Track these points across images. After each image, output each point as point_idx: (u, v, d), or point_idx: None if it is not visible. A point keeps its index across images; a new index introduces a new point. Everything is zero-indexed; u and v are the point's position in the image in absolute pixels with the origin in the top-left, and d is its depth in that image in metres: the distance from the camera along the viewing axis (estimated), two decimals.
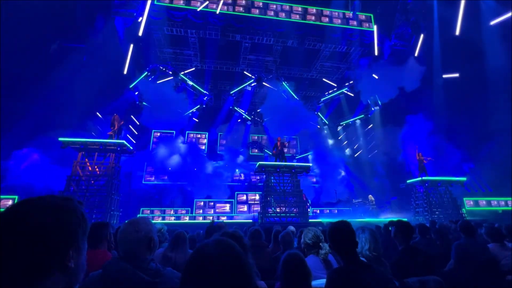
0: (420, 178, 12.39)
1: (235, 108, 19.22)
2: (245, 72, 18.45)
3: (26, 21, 10.91)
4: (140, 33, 13.77)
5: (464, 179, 12.86)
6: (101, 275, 1.22)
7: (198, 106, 18.38)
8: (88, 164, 10.29)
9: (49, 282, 0.66)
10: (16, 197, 11.69)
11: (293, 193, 11.87)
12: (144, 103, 16.88)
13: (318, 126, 20.62)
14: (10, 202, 11.55)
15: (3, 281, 0.62)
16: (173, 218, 14.24)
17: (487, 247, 3.36)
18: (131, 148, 11.18)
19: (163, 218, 14.09)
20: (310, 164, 13.05)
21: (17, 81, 11.86)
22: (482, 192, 15.73)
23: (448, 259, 3.34)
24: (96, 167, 10.39)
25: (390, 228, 3.74)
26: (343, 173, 19.66)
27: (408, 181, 13.33)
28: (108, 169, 10.27)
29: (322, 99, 19.93)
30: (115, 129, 11.09)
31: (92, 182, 9.99)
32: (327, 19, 15.66)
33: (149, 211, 14.47)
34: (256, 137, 21.04)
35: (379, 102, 17.93)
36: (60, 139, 10.08)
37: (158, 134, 19.12)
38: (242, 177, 18.86)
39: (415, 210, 12.73)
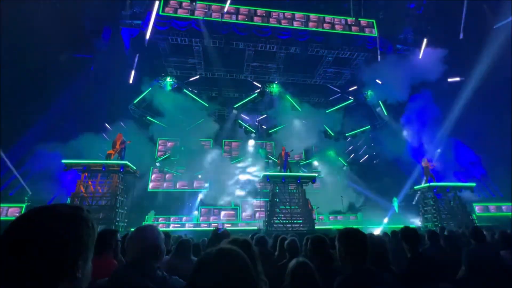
0: (427, 184, 12.16)
1: (239, 121, 19.24)
2: (249, 79, 18.62)
3: (36, 33, 11.24)
4: (146, 43, 14.06)
5: (473, 184, 12.59)
6: (108, 282, 1.22)
7: (202, 120, 18.45)
8: (90, 184, 10.33)
9: None
10: (24, 205, 11.84)
11: (298, 202, 11.75)
12: (148, 117, 17.10)
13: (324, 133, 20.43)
14: (17, 211, 11.70)
15: None
16: (178, 225, 14.22)
17: (498, 253, 3.27)
18: (134, 168, 11.19)
19: (168, 226, 14.07)
20: (316, 174, 12.95)
21: (27, 91, 12.14)
22: (492, 197, 15.38)
23: (459, 266, 3.25)
24: (99, 188, 10.47)
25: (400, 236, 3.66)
26: (349, 179, 19.47)
27: (415, 187, 13.10)
28: (111, 187, 10.30)
29: (326, 111, 19.75)
30: (116, 148, 11.02)
31: (96, 202, 10.10)
32: (329, 26, 15.80)
33: (154, 218, 14.47)
34: (260, 144, 21.00)
35: (385, 113, 17.85)
36: (63, 161, 10.19)
37: (163, 141, 19.25)
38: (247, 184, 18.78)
39: (424, 217, 12.48)
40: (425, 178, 12.58)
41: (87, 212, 0.78)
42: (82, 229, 0.73)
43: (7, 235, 0.66)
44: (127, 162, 10.70)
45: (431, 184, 12.09)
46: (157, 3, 13.55)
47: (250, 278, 0.78)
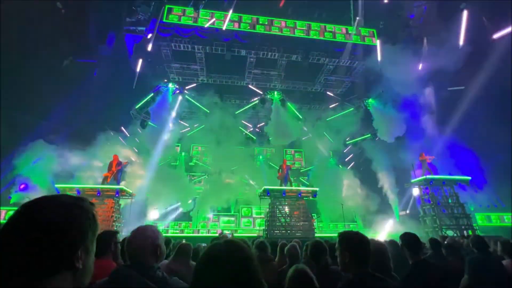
0: (424, 177, 12.03)
1: (240, 128, 19.26)
2: (250, 86, 18.75)
3: (41, 37, 11.39)
4: (149, 49, 14.22)
5: (468, 178, 12.42)
6: (107, 282, 1.21)
7: (203, 125, 18.49)
8: None
9: (56, 281, 0.65)
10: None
11: (299, 214, 11.60)
12: (150, 122, 17.10)
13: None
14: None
15: (10, 277, 0.61)
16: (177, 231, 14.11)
17: (501, 263, 3.23)
18: (130, 191, 11.04)
19: (166, 232, 13.95)
20: (317, 188, 12.81)
21: (29, 94, 12.23)
22: (494, 207, 15.24)
23: (461, 275, 3.20)
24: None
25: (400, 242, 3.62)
26: (349, 187, 19.35)
27: (412, 181, 12.91)
28: (107, 208, 10.04)
29: (327, 119, 19.78)
30: (112, 171, 10.89)
31: None
32: (330, 35, 16.01)
33: (151, 224, 14.34)
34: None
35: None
36: (57, 185, 10.11)
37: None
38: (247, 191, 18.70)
39: (423, 219, 12.21)
40: (422, 172, 12.43)
41: (89, 203, 0.78)
42: (82, 219, 0.72)
43: (8, 222, 0.67)
44: (123, 187, 10.53)
45: (427, 176, 11.91)
46: (161, 10, 13.78)
47: (256, 269, 0.80)
